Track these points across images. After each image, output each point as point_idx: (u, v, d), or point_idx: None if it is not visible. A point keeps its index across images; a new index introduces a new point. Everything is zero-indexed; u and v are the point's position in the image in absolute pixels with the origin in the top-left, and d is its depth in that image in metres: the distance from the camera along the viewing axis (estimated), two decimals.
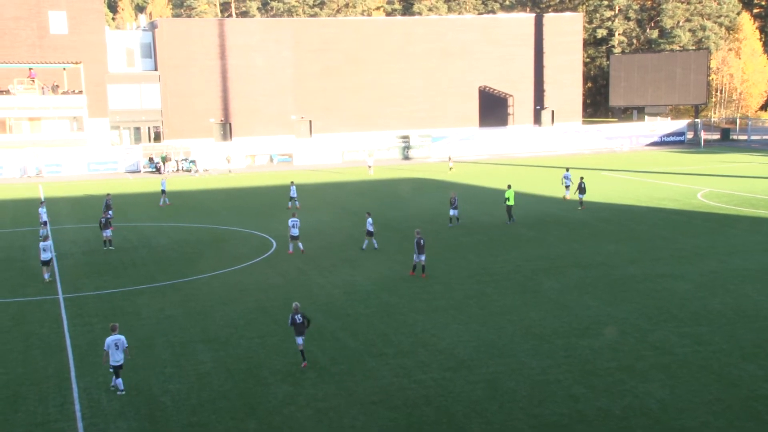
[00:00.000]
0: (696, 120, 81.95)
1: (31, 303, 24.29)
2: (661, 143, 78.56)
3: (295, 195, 41.50)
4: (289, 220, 30.72)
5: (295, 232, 30.23)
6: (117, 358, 16.64)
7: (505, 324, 21.05)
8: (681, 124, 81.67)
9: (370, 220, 30.67)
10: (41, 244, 27.16)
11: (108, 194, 38.37)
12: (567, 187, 42.94)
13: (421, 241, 26.35)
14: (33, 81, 65.87)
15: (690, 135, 79.67)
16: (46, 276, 26.87)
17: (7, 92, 65.04)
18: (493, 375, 17.43)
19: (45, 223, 34.37)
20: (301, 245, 30.46)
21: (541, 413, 15.45)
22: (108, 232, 32.09)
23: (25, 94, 65.30)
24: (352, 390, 16.74)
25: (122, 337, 16.91)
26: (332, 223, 37.35)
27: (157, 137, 74.17)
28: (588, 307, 22.47)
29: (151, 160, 64.54)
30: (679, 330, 20.24)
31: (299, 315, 18.42)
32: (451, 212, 35.52)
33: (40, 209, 35.21)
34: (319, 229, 35.60)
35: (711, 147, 74.78)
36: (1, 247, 33.45)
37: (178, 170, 63.94)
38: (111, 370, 16.90)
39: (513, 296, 23.89)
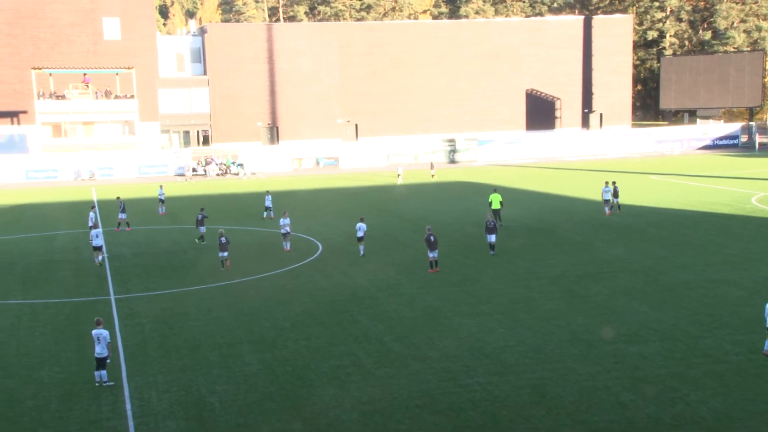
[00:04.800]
0: (750, 123, 79.88)
1: (85, 303, 24.89)
2: (713, 147, 76.83)
3: (270, 205, 40.93)
4: (280, 220, 32.66)
5: (286, 229, 32.33)
6: (99, 350, 17.60)
7: (553, 329, 20.82)
8: (734, 127, 79.70)
9: (361, 225, 30.47)
10: (92, 231, 30.37)
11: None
12: (606, 201, 38.56)
13: (431, 238, 27.31)
14: (87, 86, 67.58)
15: (744, 138, 77.67)
16: (97, 259, 29.86)
17: (63, 97, 66.88)
18: (540, 380, 17.25)
19: (93, 226, 35.10)
20: (288, 245, 32.25)
21: (589, 420, 15.23)
22: (202, 229, 34.00)
23: (79, 99, 67.07)
24: (397, 393, 16.73)
25: (105, 332, 17.82)
26: (377, 226, 37.37)
27: (206, 141, 75.36)
28: (637, 313, 22.08)
29: (208, 162, 65.33)
30: (733, 337, 19.75)
31: (224, 237, 28.13)
32: (489, 238, 30.33)
33: (90, 213, 35.94)
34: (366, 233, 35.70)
35: (767, 150, 72.81)
36: (56, 248, 34.36)
37: (222, 173, 64.76)
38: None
39: (560, 301, 23.61)
